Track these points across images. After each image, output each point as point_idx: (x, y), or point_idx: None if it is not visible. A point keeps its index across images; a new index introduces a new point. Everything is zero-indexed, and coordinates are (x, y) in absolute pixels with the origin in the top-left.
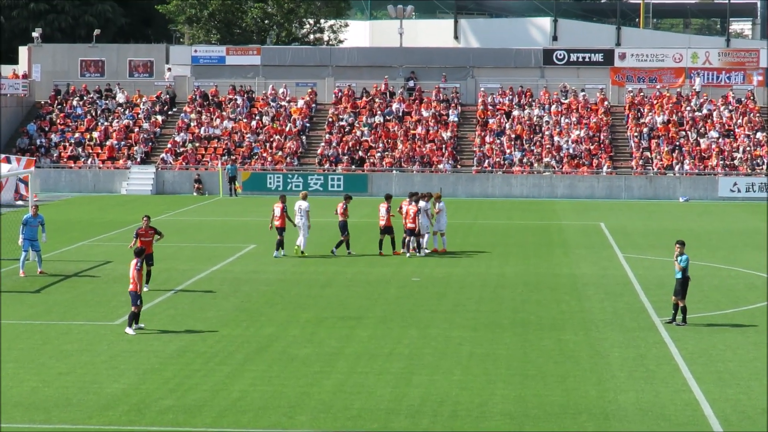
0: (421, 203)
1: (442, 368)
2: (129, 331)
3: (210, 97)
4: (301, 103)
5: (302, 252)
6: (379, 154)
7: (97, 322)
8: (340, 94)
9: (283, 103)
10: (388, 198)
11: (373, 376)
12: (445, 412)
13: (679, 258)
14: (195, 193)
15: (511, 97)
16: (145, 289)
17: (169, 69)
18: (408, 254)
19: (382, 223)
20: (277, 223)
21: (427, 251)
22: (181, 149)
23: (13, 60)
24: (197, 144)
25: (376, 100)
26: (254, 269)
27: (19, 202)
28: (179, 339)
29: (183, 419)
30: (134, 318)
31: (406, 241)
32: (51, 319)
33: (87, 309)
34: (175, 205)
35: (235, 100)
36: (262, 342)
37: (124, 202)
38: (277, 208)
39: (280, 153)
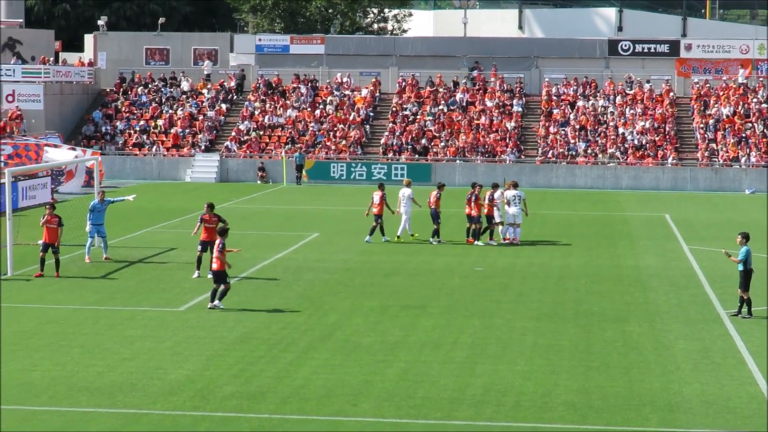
0: (513, 191)
1: (506, 358)
2: (219, 304)
3: (274, 86)
4: (364, 92)
5: (412, 235)
6: (442, 144)
7: (161, 308)
8: (403, 83)
9: (346, 92)
10: (474, 186)
11: (436, 365)
12: (508, 402)
13: (740, 251)
14: (259, 181)
15: (575, 87)
16: (209, 276)
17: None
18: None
19: (468, 210)
20: (375, 210)
21: (518, 240)
22: (245, 137)
23: (79, 48)
24: (261, 132)
25: (440, 90)
26: (318, 257)
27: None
28: (243, 326)
29: (247, 405)
30: (224, 293)
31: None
32: (116, 304)
33: (152, 295)
34: (239, 193)
35: (299, 89)
36: (325, 330)
37: (188, 190)
38: (376, 196)
39: (343, 142)
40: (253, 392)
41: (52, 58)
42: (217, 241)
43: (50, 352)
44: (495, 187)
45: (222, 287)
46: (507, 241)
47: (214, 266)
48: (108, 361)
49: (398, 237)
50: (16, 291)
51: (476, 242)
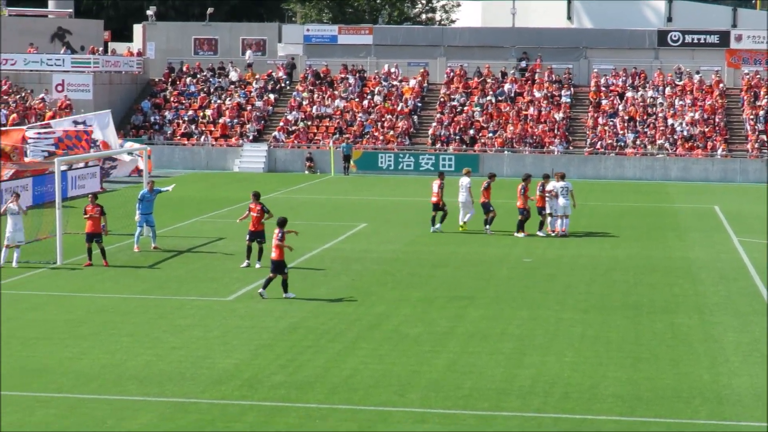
0: (561, 183)
1: (554, 349)
2: (290, 294)
3: (322, 76)
4: (412, 82)
5: (462, 224)
6: (490, 135)
7: (209, 297)
8: (451, 74)
9: (394, 82)
10: (526, 179)
11: (484, 356)
12: (556, 393)
13: None
14: (307, 172)
15: (624, 78)
16: (257, 266)
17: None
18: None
19: (519, 203)
20: (433, 199)
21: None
22: (293, 128)
23: (128, 38)
24: (309, 123)
25: (488, 80)
26: (365, 248)
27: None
28: (291, 316)
29: (294, 395)
30: (285, 283)
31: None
32: (164, 293)
33: (200, 285)
34: (287, 183)
35: (347, 79)
36: (373, 320)
37: (236, 180)
38: (435, 185)
39: (391, 132)
40: (301, 382)
41: (101, 48)
42: (276, 231)
43: (99, 341)
44: (546, 178)
45: (281, 277)
46: (555, 233)
47: (273, 255)
48: (157, 349)
49: (464, 223)
50: (65, 280)
51: (516, 234)
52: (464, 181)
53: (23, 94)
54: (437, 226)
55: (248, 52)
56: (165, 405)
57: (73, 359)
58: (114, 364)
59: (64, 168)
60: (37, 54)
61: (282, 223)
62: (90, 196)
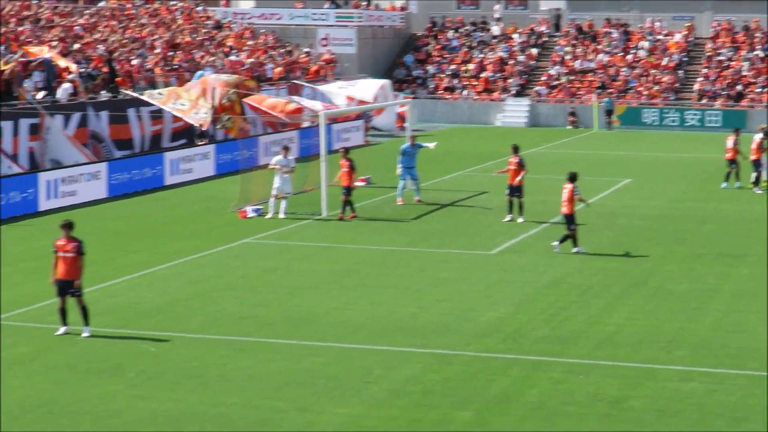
0: None
1: None
2: (576, 249)
3: (585, 31)
4: (678, 37)
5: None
6: (758, 90)
7: (473, 251)
8: (718, 27)
9: (659, 36)
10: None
11: (753, 315)
12: None
13: None
14: (569, 126)
15: None
16: (519, 220)
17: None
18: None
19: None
20: (728, 155)
21: None
22: (556, 82)
23: None
24: (572, 77)
25: (757, 34)
26: (630, 203)
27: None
28: (554, 270)
29: (558, 349)
30: (566, 239)
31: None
32: (428, 246)
33: (463, 238)
34: (549, 138)
35: (611, 33)
36: (638, 276)
37: (499, 134)
38: (730, 141)
39: (656, 87)
40: (565, 337)
41: (365, 3)
42: (570, 186)
43: (365, 292)
44: None
45: (567, 232)
46: None
47: (564, 210)
48: (421, 302)
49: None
50: (330, 231)
51: (755, 190)
52: (757, 137)
53: (289, 48)
54: (737, 183)
55: (496, 6)
56: (429, 356)
57: (340, 309)
58: (379, 316)
59: (328, 122)
60: (302, 9)
61: (572, 177)
62: (341, 150)
